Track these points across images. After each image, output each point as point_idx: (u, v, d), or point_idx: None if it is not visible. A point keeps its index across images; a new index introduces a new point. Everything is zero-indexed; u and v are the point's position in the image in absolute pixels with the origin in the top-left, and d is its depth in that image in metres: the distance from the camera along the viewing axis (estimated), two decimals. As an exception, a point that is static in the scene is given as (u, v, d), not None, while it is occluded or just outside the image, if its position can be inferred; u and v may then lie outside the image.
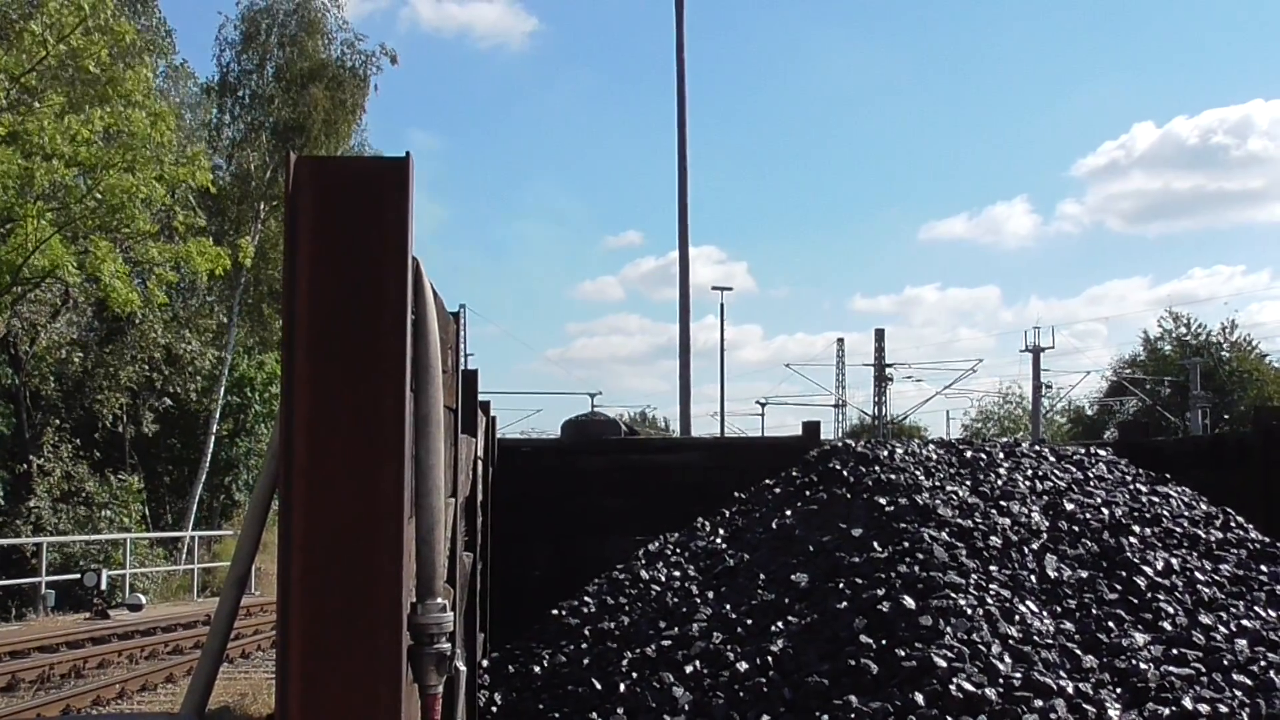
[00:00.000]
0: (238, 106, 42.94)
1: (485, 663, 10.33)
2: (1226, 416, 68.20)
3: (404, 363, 3.10)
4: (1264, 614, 9.15)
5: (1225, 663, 8.43)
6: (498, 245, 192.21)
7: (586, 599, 10.90)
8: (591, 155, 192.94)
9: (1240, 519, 10.93)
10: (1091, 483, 11.51)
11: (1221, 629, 8.89)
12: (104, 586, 26.69)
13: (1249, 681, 8.22)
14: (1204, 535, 10.38)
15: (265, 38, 42.63)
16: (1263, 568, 9.87)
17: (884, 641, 8.47)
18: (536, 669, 9.96)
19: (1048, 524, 10.26)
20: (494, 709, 9.58)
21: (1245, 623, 9.00)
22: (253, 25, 42.61)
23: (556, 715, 9.10)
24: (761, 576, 9.89)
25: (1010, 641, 8.49)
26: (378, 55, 43.91)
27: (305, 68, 42.18)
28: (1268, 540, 10.44)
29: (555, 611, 10.88)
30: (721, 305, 75.59)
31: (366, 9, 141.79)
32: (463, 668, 3.86)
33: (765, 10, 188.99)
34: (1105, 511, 10.60)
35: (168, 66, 38.00)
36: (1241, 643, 8.71)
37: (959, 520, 10.03)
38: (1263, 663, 8.46)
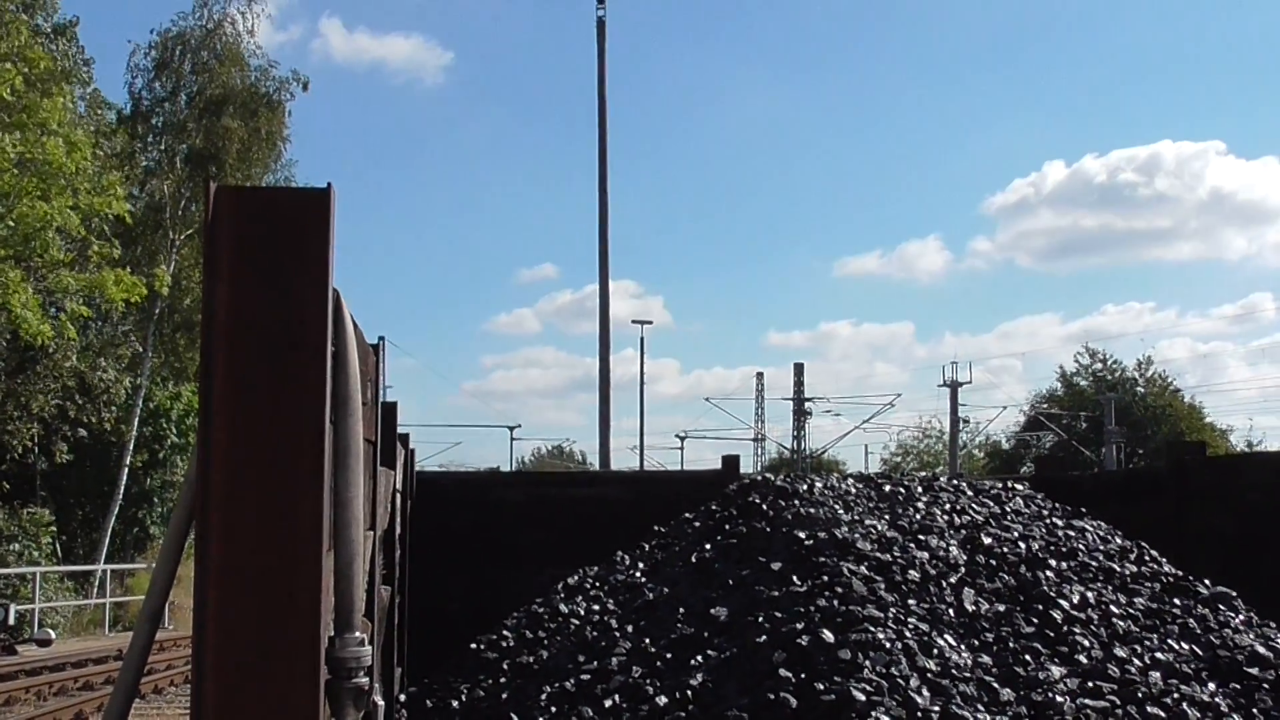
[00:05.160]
0: (151, 134, 42.59)
1: (403, 697, 10.24)
2: (1141, 451, 69.07)
3: (323, 395, 3.07)
4: (1177, 647, 9.26)
5: (1139, 695, 8.51)
6: (415, 278, 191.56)
7: (505, 633, 10.84)
8: (506, 189, 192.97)
9: (1154, 553, 11.05)
10: (1009, 517, 11.60)
11: (1136, 661, 8.98)
12: (11, 621, 26.27)
13: (1162, 714, 8.31)
14: (1119, 569, 10.49)
15: (178, 64, 42.33)
16: (1176, 601, 9.99)
17: (803, 675, 8.48)
18: (454, 703, 9.89)
19: (965, 558, 10.33)
20: (411, 744, 9.50)
21: (1159, 655, 9.10)
22: (165, 52, 42.30)
23: (474, 750, 9.04)
24: (681, 610, 9.89)
25: (928, 675, 8.53)
26: (291, 82, 43.75)
27: (218, 94, 41.90)
28: (1181, 574, 10.56)
29: (473, 645, 10.81)
30: (642, 339, 75.97)
31: (278, 40, 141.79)
32: (381, 702, 3.83)
33: (679, 49, 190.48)
34: (1022, 545, 10.69)
35: (86, 95, 37.57)
36: (1155, 675, 8.80)
37: (878, 554, 10.08)
38: (1176, 695, 8.55)
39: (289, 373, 3.04)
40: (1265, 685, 8.75)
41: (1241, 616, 9.83)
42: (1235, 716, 8.39)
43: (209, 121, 41.51)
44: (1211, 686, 8.77)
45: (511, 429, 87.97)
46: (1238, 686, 8.77)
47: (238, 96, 42.20)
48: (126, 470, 40.04)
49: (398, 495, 8.94)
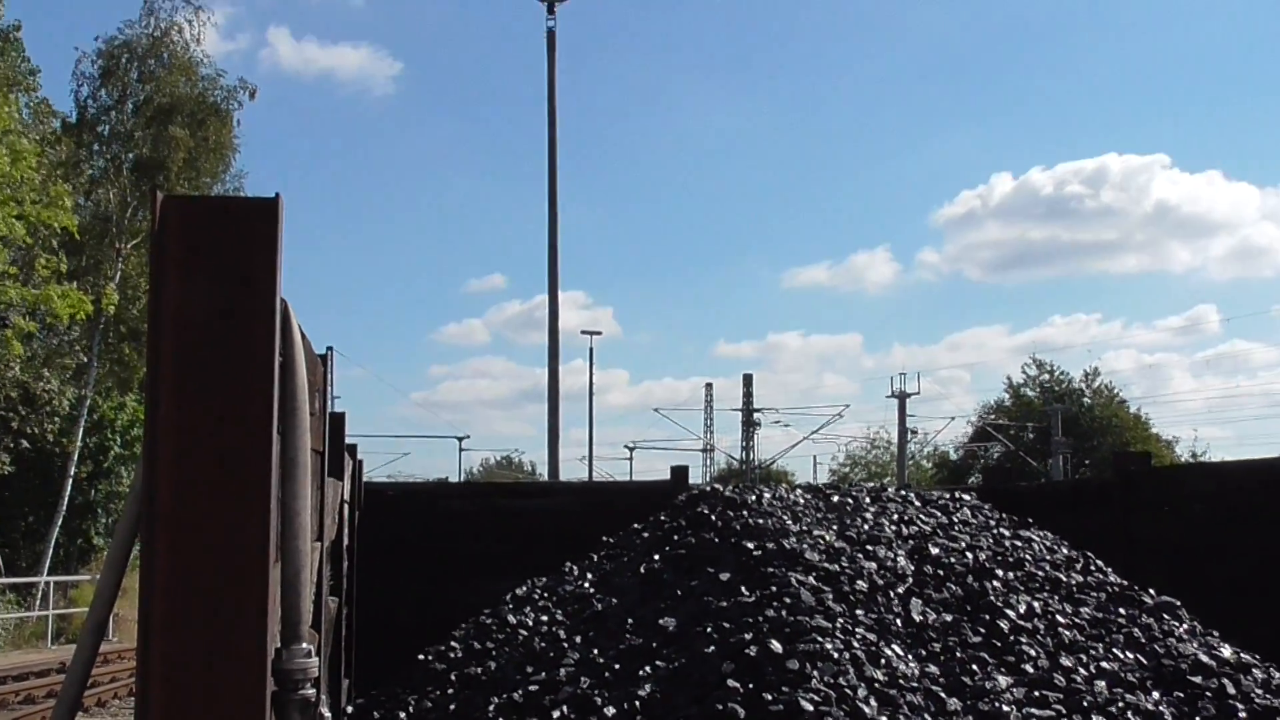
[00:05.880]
0: (97, 142, 42.29)
1: (350, 709, 10.20)
2: (1087, 461, 69.57)
3: (271, 405, 3.06)
4: (1122, 656, 9.33)
5: (1085, 704, 8.57)
6: (364, 288, 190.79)
7: (453, 644, 10.81)
8: (455, 199, 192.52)
9: (1100, 563, 11.14)
10: (956, 527, 11.67)
11: (1082, 671, 9.05)
12: (-48, 633, 25.99)
13: (1107, 723, 8.38)
14: (1065, 579, 10.56)
15: (124, 72, 42.05)
16: (1121, 610, 10.07)
17: (751, 685, 8.50)
18: (402, 715, 9.85)
19: (913, 568, 10.38)
20: (358, 756, 9.47)
21: (1104, 664, 9.17)
22: (111, 60, 42.03)
23: (422, 762, 9.01)
24: (630, 621, 9.89)
25: (876, 685, 8.56)
26: (238, 90, 43.53)
27: (165, 103, 41.64)
28: (1126, 584, 10.65)
29: (421, 657, 10.78)
30: (591, 349, 75.89)
31: (225, 49, 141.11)
32: (327, 714, 3.81)
33: (629, 58, 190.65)
34: (969, 556, 10.75)
35: (32, 103, 37.26)
36: (1101, 684, 8.87)
37: (826, 564, 10.11)
38: (1120, 704, 8.62)
39: (236, 383, 3.03)
40: (1208, 694, 8.83)
41: (1186, 625, 9.92)
42: (1179, 725, 8.46)
43: (156, 130, 41.27)
44: (1156, 695, 8.84)
45: (460, 439, 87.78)
46: (1181, 695, 8.85)
47: (185, 105, 41.96)
48: (70, 481, 39.69)
49: (346, 506, 8.91)
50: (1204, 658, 9.29)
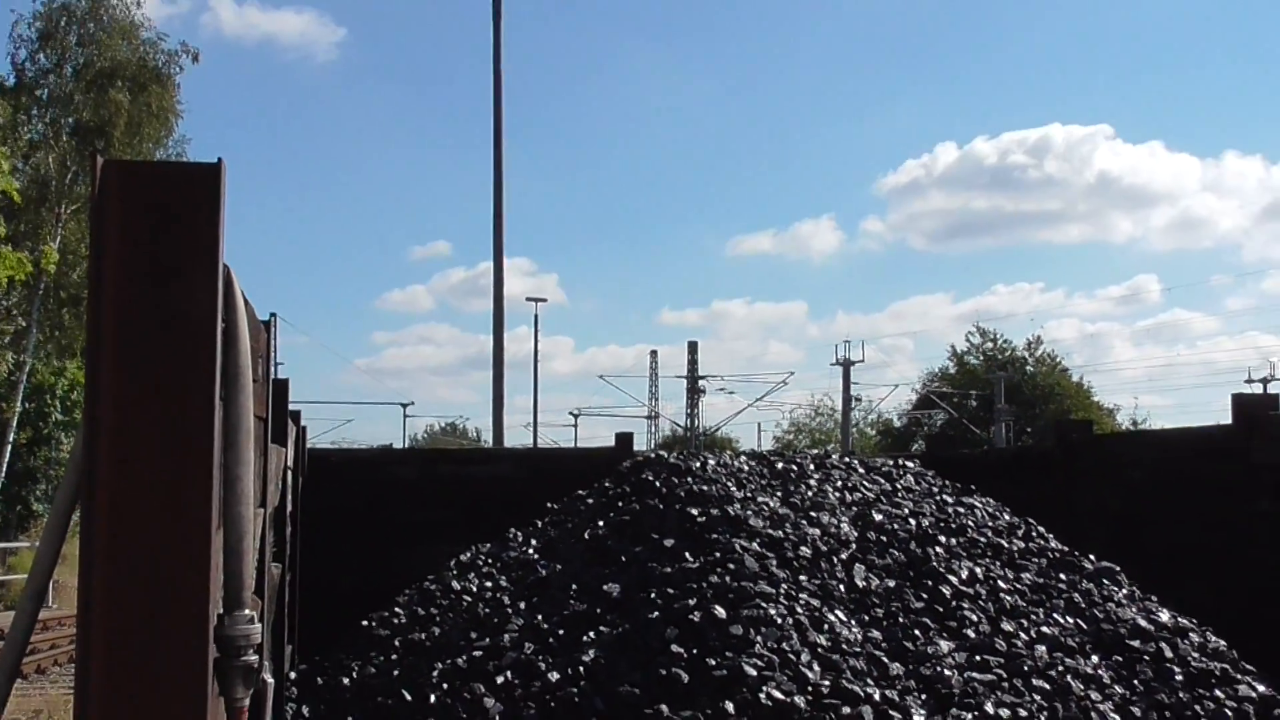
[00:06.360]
0: (36, 106, 41.69)
1: (293, 675, 10.18)
2: (1029, 429, 70.03)
3: (213, 371, 3.04)
4: (1062, 621, 9.43)
5: (1025, 668, 8.67)
6: (308, 255, 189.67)
7: (397, 610, 10.81)
8: (399, 165, 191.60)
9: (1041, 529, 11.25)
10: (899, 494, 11.75)
11: (1023, 635, 9.15)
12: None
13: (1047, 686, 8.47)
14: (1007, 545, 10.66)
15: (63, 35, 41.45)
16: (1062, 576, 10.17)
17: (695, 651, 8.55)
18: (345, 680, 9.85)
19: (857, 534, 10.45)
20: (302, 722, 9.45)
21: (1045, 629, 9.27)
22: (50, 23, 41.36)
23: (366, 728, 9.01)
24: (574, 587, 9.91)
25: (819, 650, 8.63)
26: (180, 54, 42.98)
27: (106, 67, 41.09)
28: (1067, 549, 10.76)
29: (365, 623, 10.77)
30: (536, 316, 75.98)
31: (166, 13, 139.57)
32: (270, 680, 3.80)
33: (573, 25, 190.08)
34: (912, 522, 10.83)
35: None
36: (1041, 649, 8.96)
37: (770, 531, 10.16)
38: (1060, 668, 8.73)
39: (178, 349, 3.00)
40: (1146, 657, 8.95)
41: (1125, 591, 10.04)
42: (1117, 688, 8.57)
43: (96, 94, 40.70)
44: (1095, 659, 8.95)
45: (404, 406, 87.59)
46: (1120, 659, 8.96)
47: (126, 69, 41.37)
48: (9, 448, 39.30)
49: (289, 472, 8.87)
50: (1142, 622, 9.40)
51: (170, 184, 3.07)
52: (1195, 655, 9.10)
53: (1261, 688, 8.78)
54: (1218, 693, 8.64)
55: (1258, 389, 65.65)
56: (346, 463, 14.68)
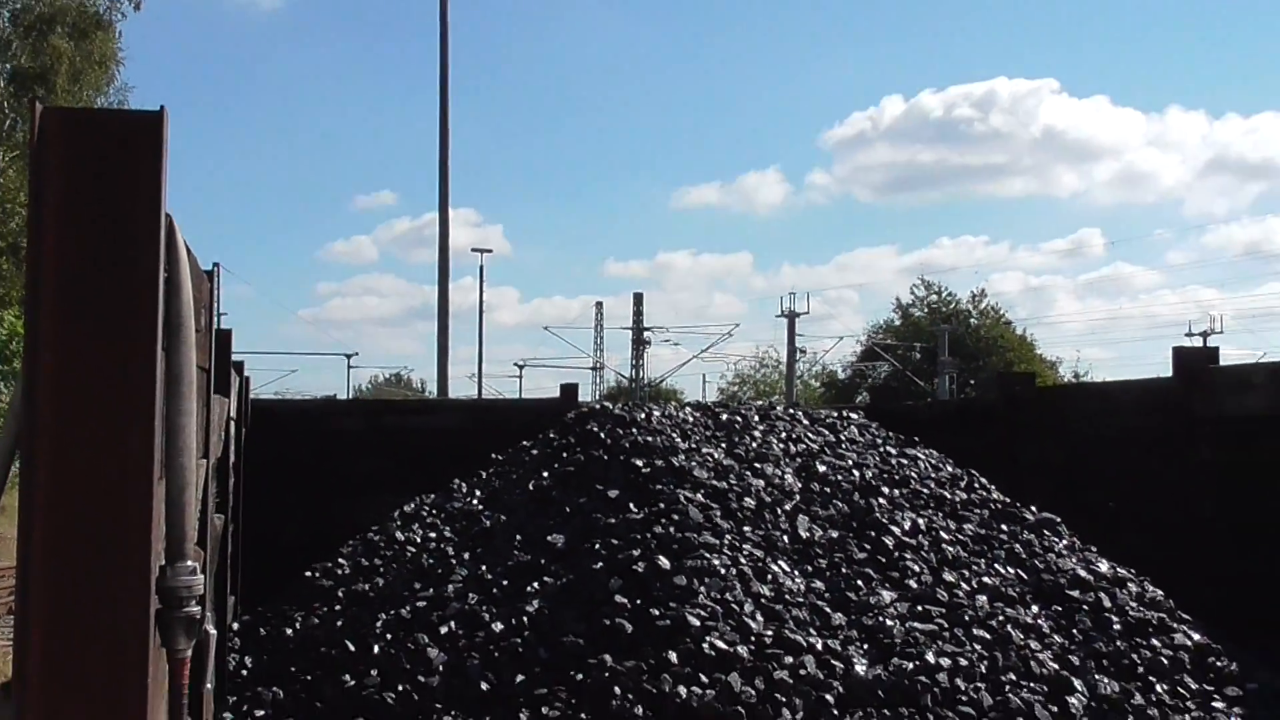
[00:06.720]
0: (-29, 52, 41.09)
1: (236, 626, 10.17)
2: (973, 381, 70.44)
3: (155, 321, 3.02)
4: (1003, 571, 9.54)
5: (966, 618, 8.77)
6: (251, 204, 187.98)
7: (340, 561, 10.80)
8: (343, 114, 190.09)
9: (984, 480, 11.35)
10: (843, 445, 11.82)
11: (964, 586, 9.24)
12: None
13: (988, 635, 8.58)
14: (949, 496, 10.75)
15: (1, -21, 40.83)
16: (1003, 527, 10.28)
17: (639, 601, 8.60)
18: (289, 631, 9.84)
19: (800, 485, 10.51)
20: (245, 672, 9.45)
21: (986, 580, 9.37)
22: (-13, -33, 40.79)
23: (309, 678, 9.01)
24: (518, 538, 9.93)
25: (762, 600, 8.70)
26: (121, 1, 42.39)
27: (46, 12, 40.47)
28: (1008, 501, 10.86)
29: (308, 574, 10.76)
30: (481, 267, 75.62)
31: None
32: (213, 631, 3.80)
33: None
34: (856, 473, 10.90)
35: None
36: (982, 599, 9.07)
37: (714, 482, 10.21)
38: (1000, 618, 8.83)
39: (119, 299, 2.98)
40: (1085, 607, 9.06)
41: (1065, 541, 10.15)
42: (1056, 637, 8.68)
43: (35, 40, 40.11)
44: (1035, 609, 9.06)
45: (349, 357, 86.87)
46: (1059, 609, 9.07)
47: (66, 14, 40.79)
48: (-52, 397, 38.93)
49: (232, 423, 8.83)
50: (1082, 572, 9.52)
51: (111, 132, 3.04)
52: (1133, 605, 9.22)
53: (1197, 636, 8.92)
54: (1154, 641, 8.76)
55: (1198, 342, 66.20)
56: (290, 413, 14.62)
